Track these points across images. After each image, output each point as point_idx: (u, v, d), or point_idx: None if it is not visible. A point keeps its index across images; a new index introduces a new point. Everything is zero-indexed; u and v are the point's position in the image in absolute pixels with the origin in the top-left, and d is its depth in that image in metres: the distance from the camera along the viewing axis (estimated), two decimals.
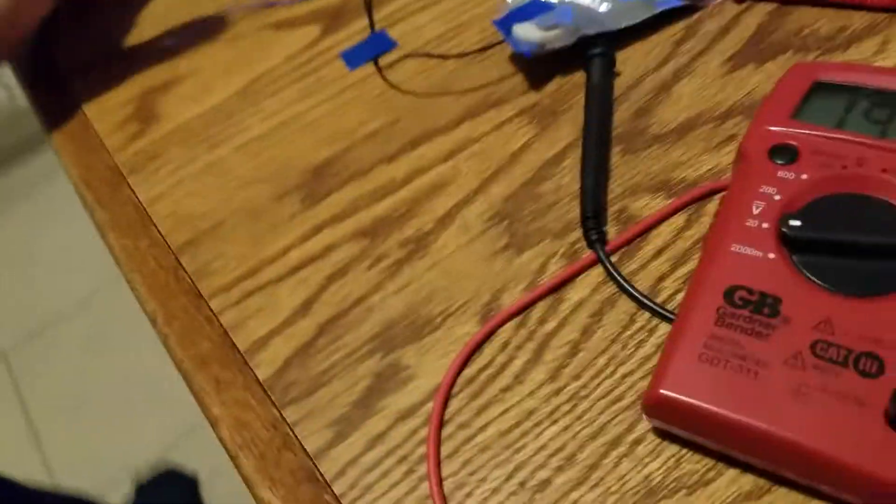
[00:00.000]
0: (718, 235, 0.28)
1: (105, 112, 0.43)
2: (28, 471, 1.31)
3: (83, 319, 1.49)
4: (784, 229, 0.26)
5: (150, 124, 0.42)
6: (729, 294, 0.26)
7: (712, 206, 0.32)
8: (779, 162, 0.28)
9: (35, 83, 0.46)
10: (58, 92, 0.45)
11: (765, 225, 0.27)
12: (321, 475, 0.29)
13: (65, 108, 0.45)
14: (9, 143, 1.64)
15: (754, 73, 0.35)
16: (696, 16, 0.38)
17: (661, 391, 0.25)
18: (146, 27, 0.47)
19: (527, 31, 0.37)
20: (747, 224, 0.27)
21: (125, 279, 0.38)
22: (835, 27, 0.36)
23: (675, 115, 0.35)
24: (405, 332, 0.32)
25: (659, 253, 0.32)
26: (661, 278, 0.31)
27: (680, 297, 0.30)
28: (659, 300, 0.30)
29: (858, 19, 0.36)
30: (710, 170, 0.33)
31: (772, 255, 0.26)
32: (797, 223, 0.26)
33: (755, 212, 0.27)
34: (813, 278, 0.26)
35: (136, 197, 0.40)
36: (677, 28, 0.38)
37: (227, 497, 1.17)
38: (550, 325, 0.31)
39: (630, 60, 0.38)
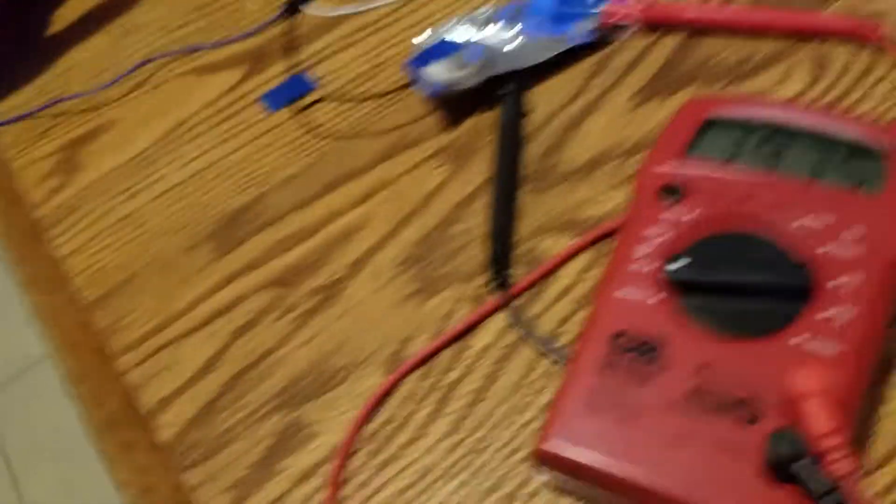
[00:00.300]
0: (606, 279, 0.27)
1: (30, 164, 0.43)
2: None
3: None
4: (668, 272, 0.26)
5: (72, 176, 0.42)
6: (614, 340, 0.26)
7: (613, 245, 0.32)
8: (667, 201, 0.28)
9: None
10: None
11: (650, 267, 0.27)
12: None
13: None
14: None
15: (660, 107, 0.35)
16: (606, 49, 0.38)
17: (544, 447, 0.25)
18: (72, 76, 0.46)
19: (436, 72, 0.37)
20: (633, 267, 0.27)
21: (44, 336, 0.38)
22: (741, 56, 0.36)
23: (583, 152, 0.35)
24: (310, 387, 0.31)
25: (563, 295, 0.31)
26: (565, 321, 0.31)
27: None
28: (562, 344, 0.30)
29: (764, 48, 0.35)
30: (615, 207, 0.33)
31: (657, 299, 0.26)
32: (681, 265, 0.26)
33: (641, 254, 0.27)
34: (698, 321, 0.25)
35: (54, 252, 0.39)
36: (588, 63, 0.38)
37: None
38: (454, 375, 0.30)
39: (542, 97, 0.37)
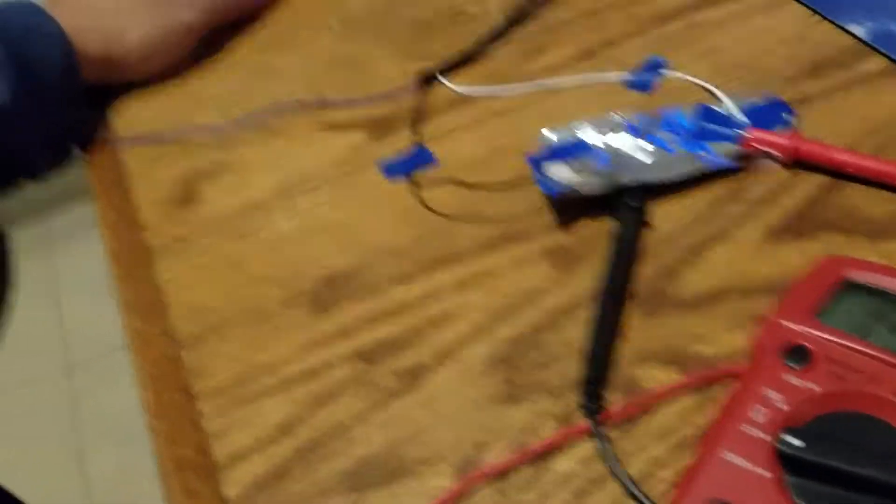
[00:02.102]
0: (715, 436, 0.25)
1: (149, 188, 0.44)
2: (65, 490, 1.34)
3: None
4: (781, 446, 0.24)
5: (188, 207, 0.43)
6: None
7: (725, 391, 0.30)
8: (791, 365, 0.26)
9: (88, 146, 0.48)
10: (109, 159, 0.47)
11: (763, 435, 0.25)
12: None
13: (114, 176, 0.46)
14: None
15: (793, 250, 0.33)
16: (743, 177, 0.36)
17: None
18: (205, 108, 0.48)
19: (560, 172, 0.36)
20: (745, 431, 0.25)
21: (132, 362, 0.38)
22: (888, 212, 0.33)
23: (702, 282, 0.33)
24: (378, 473, 0.31)
25: (661, 435, 0.29)
26: (658, 464, 0.29)
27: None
28: (652, 490, 0.28)
29: None
30: (729, 349, 0.31)
31: (764, 472, 0.24)
32: (796, 442, 0.24)
33: (756, 418, 0.25)
34: None
35: (158, 280, 0.40)
36: (722, 188, 0.36)
37: None
38: (529, 497, 0.29)
39: (667, 215, 0.36)
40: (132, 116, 0.48)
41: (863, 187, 0.35)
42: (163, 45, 0.48)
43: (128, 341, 0.39)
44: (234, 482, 0.31)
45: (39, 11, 0.44)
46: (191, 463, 0.33)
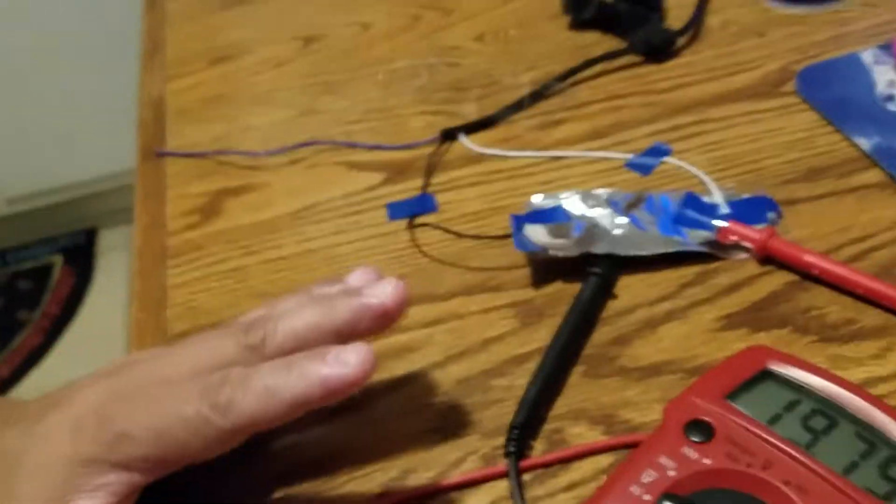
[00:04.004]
0: (603, 492, 0.26)
1: (181, 196, 0.49)
2: None
3: None
4: None
5: (210, 219, 0.47)
6: None
7: None
8: (691, 438, 0.27)
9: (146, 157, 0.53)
10: (155, 170, 0.52)
11: (647, 497, 0.25)
12: None
13: (156, 185, 0.51)
14: None
15: (744, 338, 0.34)
16: (713, 265, 0.37)
17: None
18: (250, 137, 0.53)
19: (535, 233, 0.38)
20: (631, 490, 0.26)
21: (127, 349, 0.42)
22: (844, 317, 0.34)
23: (648, 355, 0.34)
24: (311, 471, 0.33)
25: (571, 486, 0.30)
26: None
27: None
28: None
29: (870, 316, 0.33)
30: (656, 419, 0.32)
31: None
32: None
33: (644, 480, 0.26)
34: None
35: (167, 279, 0.44)
36: (690, 271, 0.37)
37: None
38: None
39: (631, 287, 0.37)
40: (184, 136, 0.53)
41: (827, 291, 0.35)
42: None
43: (129, 329, 0.43)
44: None
45: None
46: None
